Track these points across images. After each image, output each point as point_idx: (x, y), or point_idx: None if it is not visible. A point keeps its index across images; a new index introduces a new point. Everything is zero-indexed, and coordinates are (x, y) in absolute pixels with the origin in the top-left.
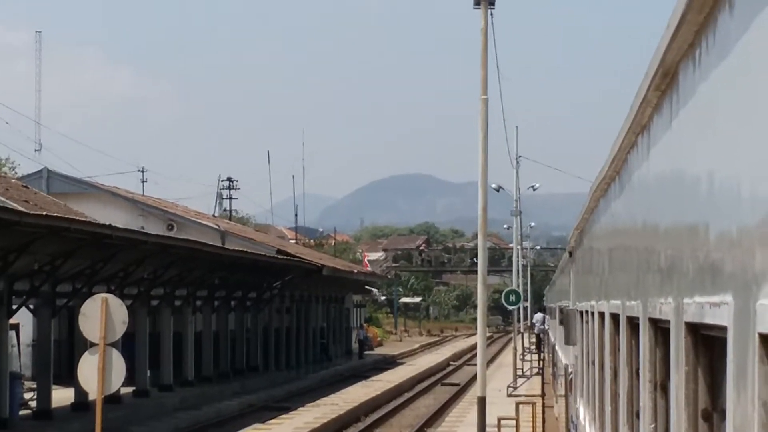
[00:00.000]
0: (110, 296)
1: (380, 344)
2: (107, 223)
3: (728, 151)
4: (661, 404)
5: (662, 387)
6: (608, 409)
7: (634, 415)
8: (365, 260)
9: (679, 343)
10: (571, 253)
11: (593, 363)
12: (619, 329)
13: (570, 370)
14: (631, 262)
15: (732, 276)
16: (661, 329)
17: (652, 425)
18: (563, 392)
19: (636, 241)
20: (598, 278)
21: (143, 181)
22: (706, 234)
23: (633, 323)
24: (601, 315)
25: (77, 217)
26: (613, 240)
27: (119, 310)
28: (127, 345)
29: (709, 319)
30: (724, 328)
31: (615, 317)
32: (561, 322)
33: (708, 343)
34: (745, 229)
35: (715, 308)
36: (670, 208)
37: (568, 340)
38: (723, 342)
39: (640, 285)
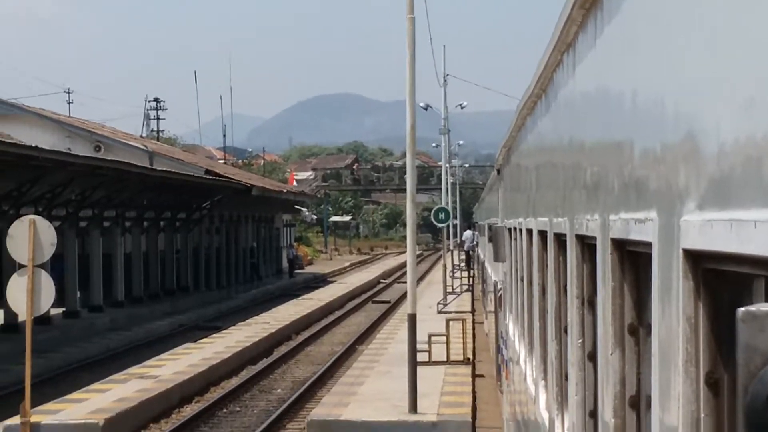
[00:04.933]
0: (38, 218)
1: (310, 263)
2: (33, 145)
3: (651, 69)
4: (589, 319)
5: (589, 302)
6: (537, 324)
7: (562, 330)
8: (292, 177)
9: (605, 259)
10: (499, 171)
11: (522, 279)
12: (547, 246)
13: (499, 286)
14: (557, 180)
15: (656, 193)
16: (587, 245)
17: (580, 340)
18: (492, 308)
19: (563, 159)
20: (525, 195)
21: (69, 103)
22: (631, 151)
23: (560, 240)
24: (529, 232)
25: (2, 139)
26: (540, 157)
27: (47, 231)
28: (56, 266)
29: (634, 236)
30: (649, 244)
31: (543, 234)
32: (490, 239)
33: (633, 259)
34: (668, 146)
35: (640, 224)
36: (596, 126)
37: (497, 257)
38: (648, 258)
39: (566, 202)
